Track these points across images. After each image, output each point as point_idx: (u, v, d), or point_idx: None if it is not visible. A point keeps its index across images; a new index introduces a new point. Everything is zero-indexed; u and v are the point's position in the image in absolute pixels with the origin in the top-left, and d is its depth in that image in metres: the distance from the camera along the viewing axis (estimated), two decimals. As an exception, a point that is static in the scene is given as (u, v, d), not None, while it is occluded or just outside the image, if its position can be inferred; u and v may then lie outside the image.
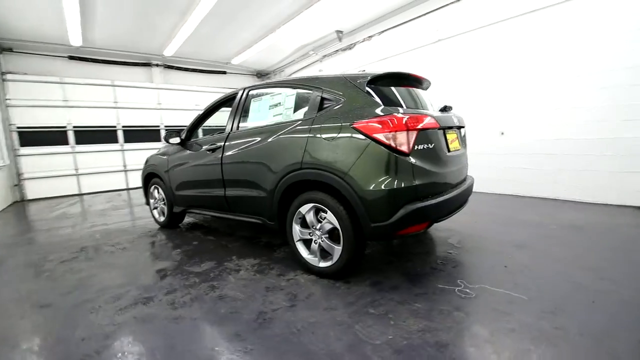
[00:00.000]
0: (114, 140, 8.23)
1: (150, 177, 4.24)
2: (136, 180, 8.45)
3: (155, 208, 4.25)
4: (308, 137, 2.33)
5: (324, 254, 2.40)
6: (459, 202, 2.44)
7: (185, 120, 9.23)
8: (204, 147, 3.24)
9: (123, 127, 8.30)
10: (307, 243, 2.50)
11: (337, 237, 2.29)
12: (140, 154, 8.52)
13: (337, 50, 7.94)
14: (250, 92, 3.03)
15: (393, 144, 2.01)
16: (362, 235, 2.19)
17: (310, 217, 2.39)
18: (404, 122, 2.03)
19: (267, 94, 2.91)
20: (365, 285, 2.25)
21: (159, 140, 8.87)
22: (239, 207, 2.98)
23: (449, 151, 2.39)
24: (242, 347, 1.64)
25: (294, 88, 2.66)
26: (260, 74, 10.81)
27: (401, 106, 2.27)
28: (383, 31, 6.72)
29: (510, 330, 1.67)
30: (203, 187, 3.31)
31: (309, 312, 1.95)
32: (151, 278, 2.56)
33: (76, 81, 7.52)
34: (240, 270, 2.63)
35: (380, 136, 2.02)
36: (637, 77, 3.67)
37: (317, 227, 2.37)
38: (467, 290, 2.10)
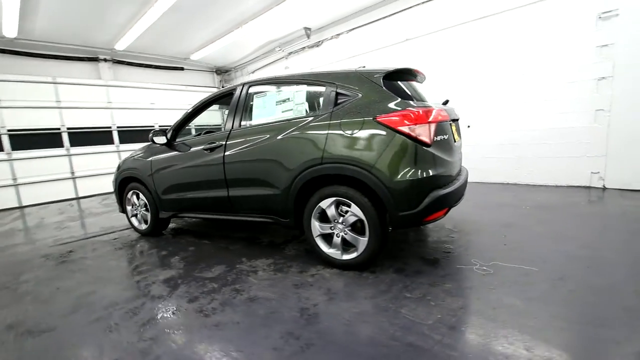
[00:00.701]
0: (59, 144, 7.30)
1: (125, 183, 3.87)
2: (88, 188, 7.62)
3: (134, 215, 3.90)
4: (328, 132, 2.35)
5: (346, 247, 2.44)
6: (464, 190, 2.65)
7: (141, 120, 8.56)
8: (200, 147, 3.06)
9: (68, 129, 7.40)
10: (326, 237, 2.52)
11: (359, 229, 2.35)
12: (91, 159, 7.70)
13: (304, 48, 7.94)
14: (251, 88, 2.94)
15: (417, 136, 2.12)
16: (386, 225, 2.28)
17: (331, 212, 2.41)
18: (425, 115, 2.15)
19: (271, 89, 2.85)
20: (391, 273, 2.35)
21: (111, 142, 8.09)
22: (245, 207, 2.88)
23: (454, 142, 2.58)
24: (301, 343, 1.63)
25: (303, 84, 2.64)
26: (220, 71, 10.38)
27: (413, 100, 2.39)
28: (351, 29, 6.88)
29: (537, 298, 1.88)
30: (199, 189, 3.14)
31: (349, 303, 1.98)
32: (162, 288, 2.38)
33: (8, 78, 6.52)
34: (258, 271, 2.56)
35: (404, 129, 2.12)
36: (600, 72, 4.26)
37: (340, 221, 2.40)
38: (485, 268, 2.31)
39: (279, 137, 2.56)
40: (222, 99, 3.24)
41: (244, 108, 2.91)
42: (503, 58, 4.95)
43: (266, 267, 2.64)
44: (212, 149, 2.96)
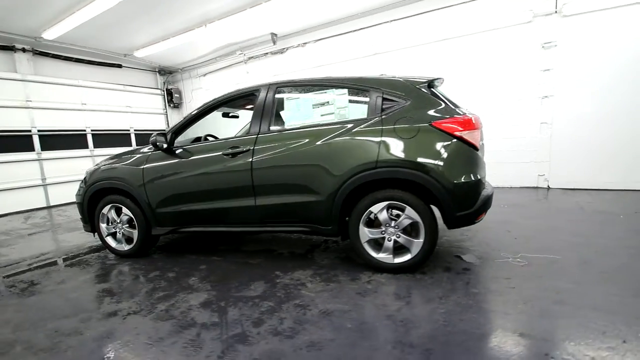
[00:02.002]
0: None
1: (98, 196, 3.23)
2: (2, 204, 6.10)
3: (111, 234, 3.27)
4: (381, 136, 2.35)
5: (397, 250, 2.45)
6: None
7: (70, 122, 7.26)
8: (215, 153, 2.74)
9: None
10: (374, 243, 2.49)
11: (411, 231, 2.40)
12: (8, 169, 6.21)
13: (266, 53, 7.76)
14: (280, 90, 2.76)
15: (471, 140, 2.28)
16: (437, 226, 2.37)
17: (383, 216, 2.40)
18: (476, 121, 2.33)
19: (303, 92, 2.73)
20: (441, 272, 2.44)
21: (31, 149, 6.64)
22: (276, 217, 2.68)
23: None
24: (421, 351, 1.58)
25: (343, 87, 2.60)
26: (163, 71, 9.43)
27: (457, 107, 2.53)
28: (319, 39, 6.99)
29: (582, 281, 2.16)
30: (214, 199, 2.80)
31: (430, 304, 2.00)
32: (206, 314, 2.04)
33: None
34: (305, 284, 2.39)
35: (461, 134, 2.25)
36: (543, 91, 5.09)
37: (393, 225, 2.40)
38: (518, 260, 2.56)
39: (322, 142, 2.47)
40: (235, 100, 2.98)
41: (273, 111, 2.72)
42: (464, 77, 5.60)
43: (310, 278, 2.48)
44: (234, 154, 2.68)
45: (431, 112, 2.34)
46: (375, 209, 2.41)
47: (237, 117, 3.86)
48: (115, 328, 1.96)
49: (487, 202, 2.37)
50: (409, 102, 2.41)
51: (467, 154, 2.28)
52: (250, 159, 2.63)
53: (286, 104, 2.73)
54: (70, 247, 3.79)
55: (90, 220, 3.32)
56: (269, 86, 2.79)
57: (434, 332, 1.72)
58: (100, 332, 1.93)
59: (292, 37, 7.26)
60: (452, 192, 2.24)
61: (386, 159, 2.32)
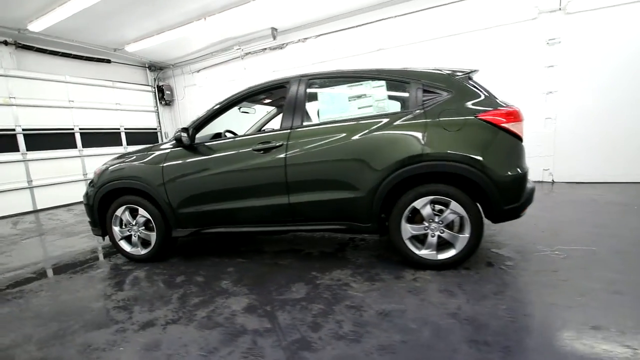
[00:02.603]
0: None
1: (110, 197, 3.02)
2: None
3: (125, 238, 3.06)
4: (426, 129, 2.28)
5: (439, 246, 2.39)
6: None
7: (56, 120, 6.84)
8: (244, 149, 2.60)
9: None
10: (415, 239, 2.43)
11: (454, 227, 2.35)
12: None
13: (264, 49, 7.57)
14: (312, 83, 2.65)
15: (516, 132, 2.25)
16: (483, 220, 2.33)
17: (427, 211, 2.33)
18: (519, 113, 2.30)
19: (336, 84, 2.62)
20: (485, 267, 2.40)
21: (15, 149, 6.21)
22: (312, 214, 2.56)
23: None
24: (499, 348, 1.52)
25: (380, 79, 2.51)
26: (154, 67, 9.05)
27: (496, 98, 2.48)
28: (320, 35, 6.88)
29: (625, 270, 2.17)
30: (242, 198, 2.65)
31: (487, 301, 1.94)
32: (254, 320, 1.91)
33: None
34: (349, 284, 2.29)
35: (507, 125, 2.22)
36: (548, 87, 5.18)
37: (437, 220, 2.34)
38: (556, 253, 2.56)
39: (362, 135, 2.38)
40: (261, 93, 2.84)
41: (305, 104, 2.60)
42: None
43: (351, 278, 2.39)
44: (266, 150, 2.55)
45: (474, 104, 2.29)
46: (418, 204, 2.34)
47: (248, 112, 3.69)
48: (157, 339, 1.80)
49: (531, 196, 2.35)
50: (451, 94, 2.36)
51: (514, 146, 2.25)
52: (284, 155, 2.50)
53: (320, 96, 2.62)
54: (74, 253, 3.53)
55: (101, 224, 3.09)
56: (300, 78, 2.67)
57: (504, 329, 1.67)
58: (142, 345, 1.76)
59: (293, 32, 7.11)
60: (500, 186, 2.20)
61: (432, 152, 2.25)
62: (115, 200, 3.01)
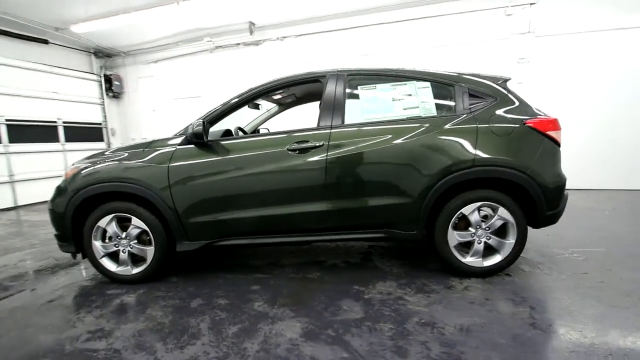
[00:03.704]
0: None
1: (88, 205, 2.42)
2: None
3: (109, 255, 2.47)
4: (477, 134, 2.23)
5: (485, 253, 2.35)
6: None
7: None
8: (281, 148, 2.28)
9: None
10: (460, 246, 2.35)
11: (498, 233, 2.33)
12: None
13: (238, 44, 7.08)
14: (352, 79, 2.43)
15: (558, 140, 2.31)
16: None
17: (475, 217, 2.28)
18: (558, 121, 2.37)
19: (378, 82, 2.44)
20: (521, 271, 2.43)
21: None
22: (352, 222, 2.33)
23: None
24: (605, 355, 1.48)
25: (424, 80, 2.40)
26: (100, 54, 7.89)
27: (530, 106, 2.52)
28: (301, 35, 6.66)
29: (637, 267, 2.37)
30: (272, 204, 2.31)
31: (552, 307, 1.93)
32: (326, 350, 1.61)
33: None
34: (403, 297, 2.11)
35: (552, 133, 2.27)
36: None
37: (484, 227, 2.29)
38: (575, 255, 2.71)
39: (410, 138, 2.24)
40: (292, 86, 2.55)
41: (345, 102, 2.37)
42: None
43: (400, 290, 2.21)
44: (303, 150, 2.26)
45: (516, 111, 2.32)
46: (466, 210, 2.27)
47: (257, 107, 3.34)
48: (212, 385, 1.41)
49: (566, 202, 2.44)
50: (496, 100, 2.35)
51: (556, 153, 2.31)
52: (325, 156, 2.24)
53: (362, 95, 2.41)
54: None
55: (75, 238, 2.46)
56: (338, 73, 2.44)
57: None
58: (194, 395, 1.36)
59: (271, 29, 6.76)
60: (546, 191, 2.23)
61: (482, 157, 2.20)
62: (98, 207, 2.42)
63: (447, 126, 2.26)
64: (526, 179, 2.20)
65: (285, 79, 2.50)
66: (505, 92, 2.40)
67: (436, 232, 2.32)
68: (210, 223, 2.36)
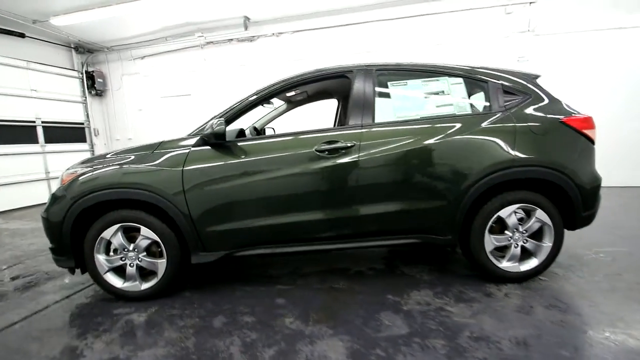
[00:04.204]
0: None
1: (90, 214, 2.16)
2: None
3: (114, 269, 2.22)
4: (515, 133, 2.12)
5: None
6: None
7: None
8: (308, 149, 2.09)
9: None
10: (496, 250, 2.25)
11: (534, 235, 2.24)
12: None
13: (231, 40, 6.80)
14: (382, 74, 2.27)
15: (593, 139, 2.24)
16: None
17: (512, 220, 2.17)
18: (593, 119, 2.30)
19: (408, 77, 2.29)
20: (556, 275, 2.35)
21: None
22: (385, 227, 2.18)
23: None
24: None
25: (456, 75, 2.27)
26: (82, 49, 7.41)
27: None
28: (298, 31, 6.45)
29: (678, 270, 2.34)
30: (300, 209, 2.13)
31: (600, 313, 1.85)
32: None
33: None
34: (444, 308, 1.98)
35: (587, 131, 2.20)
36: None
37: (521, 230, 2.20)
38: (601, 255, 2.67)
39: (446, 137, 2.10)
40: (316, 82, 2.37)
41: (375, 99, 2.21)
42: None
43: (438, 299, 2.08)
44: (332, 151, 2.09)
45: (550, 109, 2.23)
46: (504, 213, 2.16)
47: (271, 103, 3.13)
48: None
49: (600, 202, 2.37)
50: (530, 96, 2.25)
51: (592, 152, 2.24)
52: (356, 157, 2.08)
53: (392, 91, 2.26)
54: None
55: (75, 251, 2.19)
56: (365, 68, 2.28)
57: (653, 346, 1.56)
58: None
59: (267, 24, 6.53)
60: (583, 192, 2.15)
61: (523, 157, 2.10)
62: (101, 217, 2.16)
63: (483, 125, 2.14)
64: (565, 180, 2.11)
65: (310, 74, 2.31)
66: (537, 89, 2.30)
67: (472, 236, 2.20)
68: (230, 231, 2.15)
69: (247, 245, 2.20)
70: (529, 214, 2.21)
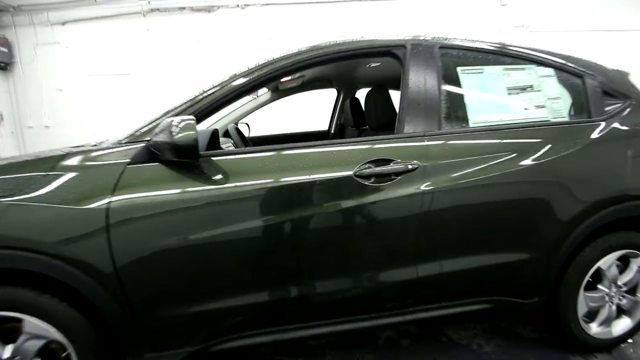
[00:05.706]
0: None
1: None
2: None
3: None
4: (626, 151, 1.50)
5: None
6: None
7: None
8: (342, 172, 1.24)
9: None
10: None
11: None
12: None
13: (183, 8, 5.51)
14: (443, 53, 1.48)
15: None
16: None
17: (613, 272, 1.57)
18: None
19: (483, 63, 1.53)
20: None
21: None
22: (451, 291, 1.44)
23: None
24: None
25: (546, 65, 1.57)
26: (-28, 5, 5.52)
27: None
28: (268, 4, 5.40)
29: None
30: (321, 275, 1.30)
31: None
32: None
33: None
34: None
35: None
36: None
37: (620, 283, 1.61)
38: None
39: (542, 157, 1.40)
40: (349, 58, 1.55)
41: (441, 94, 1.42)
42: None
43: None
44: (380, 177, 1.26)
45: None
46: (604, 263, 1.55)
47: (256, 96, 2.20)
48: None
49: None
50: (631, 100, 1.65)
51: None
52: (421, 187, 1.28)
53: (464, 81, 1.47)
54: None
55: None
56: (424, 43, 1.47)
57: None
58: None
59: (230, -8, 5.36)
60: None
61: (636, 187, 1.49)
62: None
63: (589, 139, 1.48)
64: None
65: (337, 47, 1.43)
66: (637, 90, 1.72)
67: (561, 296, 1.55)
68: (203, 314, 1.23)
69: (230, 332, 1.30)
70: (626, 261, 1.63)
